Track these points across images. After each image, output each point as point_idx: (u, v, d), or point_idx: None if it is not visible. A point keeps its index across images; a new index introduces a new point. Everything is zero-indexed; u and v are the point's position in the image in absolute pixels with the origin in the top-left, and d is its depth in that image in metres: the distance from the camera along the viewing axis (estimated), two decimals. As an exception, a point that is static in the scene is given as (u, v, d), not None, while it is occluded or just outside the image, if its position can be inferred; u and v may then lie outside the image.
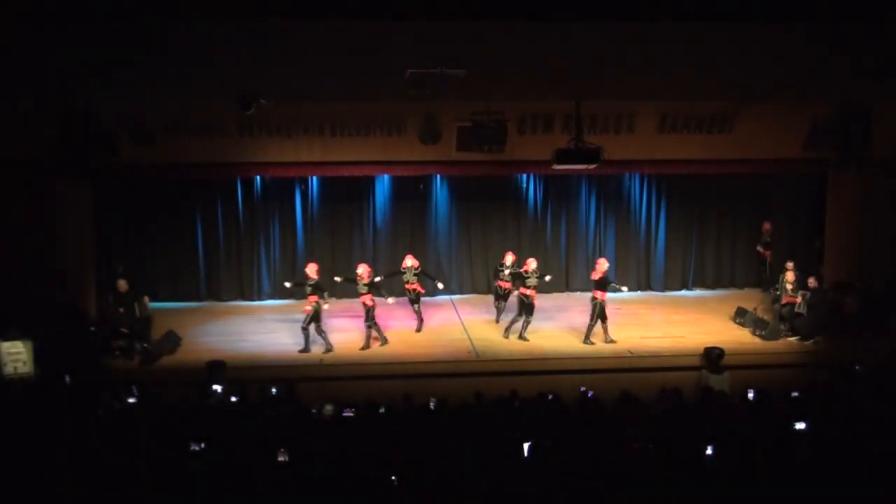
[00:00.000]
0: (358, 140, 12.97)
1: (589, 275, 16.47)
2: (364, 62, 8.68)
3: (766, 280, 15.75)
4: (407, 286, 13.93)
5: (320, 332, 12.83)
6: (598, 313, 12.99)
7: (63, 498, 6.61)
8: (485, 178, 15.42)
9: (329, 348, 12.80)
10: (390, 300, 13.31)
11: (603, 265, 13.15)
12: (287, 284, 13.80)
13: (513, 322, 13.49)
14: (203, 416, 9.33)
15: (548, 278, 13.71)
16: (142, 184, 14.53)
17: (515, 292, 13.71)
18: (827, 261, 14.50)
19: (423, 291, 14.07)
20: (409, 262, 13.97)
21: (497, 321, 14.20)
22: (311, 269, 13.01)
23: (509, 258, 14.11)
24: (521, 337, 13.25)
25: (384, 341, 13.08)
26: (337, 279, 13.67)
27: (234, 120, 12.31)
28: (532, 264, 13.45)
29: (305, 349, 12.75)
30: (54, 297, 12.50)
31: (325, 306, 12.94)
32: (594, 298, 13.06)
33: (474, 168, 13.54)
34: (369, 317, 13.04)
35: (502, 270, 14.08)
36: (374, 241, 16.20)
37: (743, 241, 16.69)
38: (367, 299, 13.06)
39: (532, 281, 13.31)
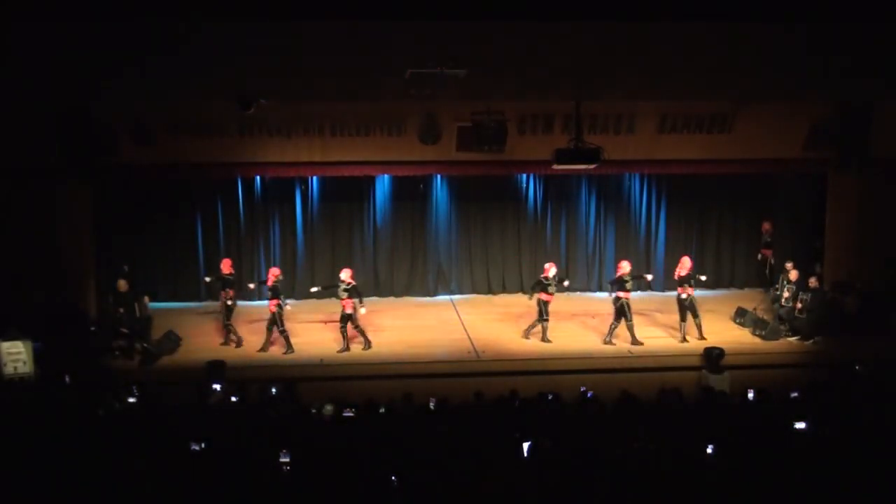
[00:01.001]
0: (358, 140, 12.97)
1: (588, 274, 16.68)
2: (364, 62, 8.68)
3: (767, 280, 15.75)
4: (340, 302, 12.84)
5: (226, 326, 13.08)
6: (688, 309, 13.14)
7: (63, 498, 6.61)
8: (485, 178, 15.41)
9: (238, 343, 12.99)
10: (289, 306, 13.06)
11: (687, 263, 13.28)
12: (206, 279, 13.86)
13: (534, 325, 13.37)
14: (203, 416, 9.33)
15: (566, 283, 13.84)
16: (142, 184, 14.52)
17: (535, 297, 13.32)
18: (827, 261, 14.51)
19: (350, 312, 12.69)
20: (343, 275, 12.88)
21: (548, 339, 13.25)
22: (225, 265, 13.17)
23: (553, 270, 13.24)
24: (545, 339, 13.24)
25: (288, 349, 12.78)
26: (251, 286, 13.79)
27: (234, 120, 12.31)
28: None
29: (225, 342, 13.06)
30: (54, 297, 12.51)
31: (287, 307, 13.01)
32: (680, 296, 13.19)
33: (474, 168, 13.55)
34: (277, 321, 12.76)
35: (550, 284, 13.14)
36: (374, 241, 16.19)
37: (743, 241, 16.67)
38: (272, 305, 12.76)
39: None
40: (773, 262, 15.69)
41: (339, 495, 6.63)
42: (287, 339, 12.76)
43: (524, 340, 13.33)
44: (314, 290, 13.58)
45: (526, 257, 16.50)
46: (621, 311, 12.99)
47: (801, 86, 10.69)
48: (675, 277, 13.32)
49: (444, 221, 16.34)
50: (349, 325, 12.79)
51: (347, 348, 12.77)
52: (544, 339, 13.22)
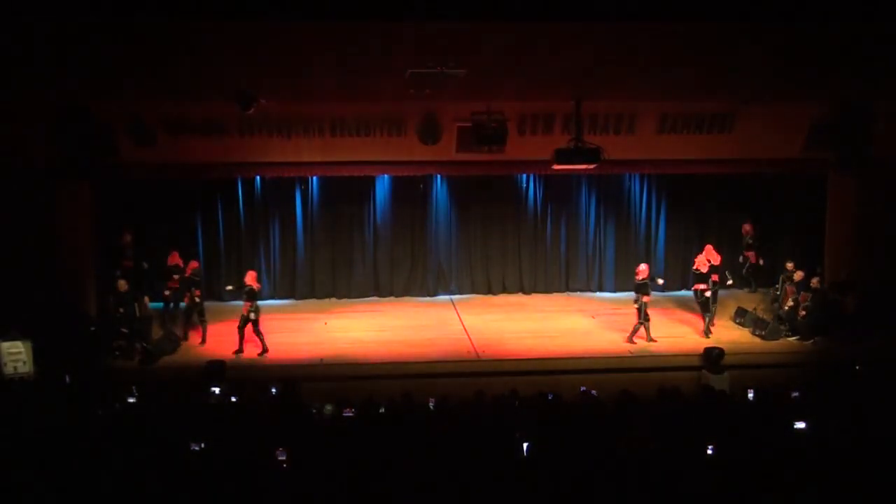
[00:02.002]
0: (358, 140, 12.96)
1: (588, 274, 16.69)
2: (364, 62, 8.68)
3: (752, 283, 15.80)
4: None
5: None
6: (713, 302, 13.63)
7: (63, 498, 6.61)
8: (485, 178, 15.42)
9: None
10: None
11: (712, 253, 13.80)
12: (150, 267, 14.14)
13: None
14: (203, 416, 9.33)
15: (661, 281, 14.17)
16: (142, 184, 14.50)
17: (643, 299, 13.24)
18: (827, 261, 14.49)
19: (250, 317, 12.70)
20: (247, 278, 13.01)
21: (652, 339, 13.26)
22: (172, 258, 13.92)
23: (647, 270, 13.37)
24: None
25: (202, 341, 13.21)
26: (175, 276, 13.90)
27: (234, 120, 12.30)
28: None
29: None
30: (54, 297, 12.50)
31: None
32: (709, 288, 13.64)
33: (474, 168, 13.55)
34: (194, 311, 13.44)
35: (648, 285, 13.24)
36: (374, 241, 16.19)
37: (743, 242, 16.66)
38: (188, 296, 13.49)
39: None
40: (760, 262, 15.70)
41: (338, 495, 6.63)
42: (204, 329, 13.20)
43: (525, 340, 13.33)
44: (229, 288, 14.00)
45: (526, 257, 16.50)
46: (707, 305, 13.53)
47: (801, 86, 10.69)
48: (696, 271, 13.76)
49: (444, 222, 16.34)
50: (248, 328, 12.79)
51: (241, 350, 12.72)
52: (649, 339, 13.24)
